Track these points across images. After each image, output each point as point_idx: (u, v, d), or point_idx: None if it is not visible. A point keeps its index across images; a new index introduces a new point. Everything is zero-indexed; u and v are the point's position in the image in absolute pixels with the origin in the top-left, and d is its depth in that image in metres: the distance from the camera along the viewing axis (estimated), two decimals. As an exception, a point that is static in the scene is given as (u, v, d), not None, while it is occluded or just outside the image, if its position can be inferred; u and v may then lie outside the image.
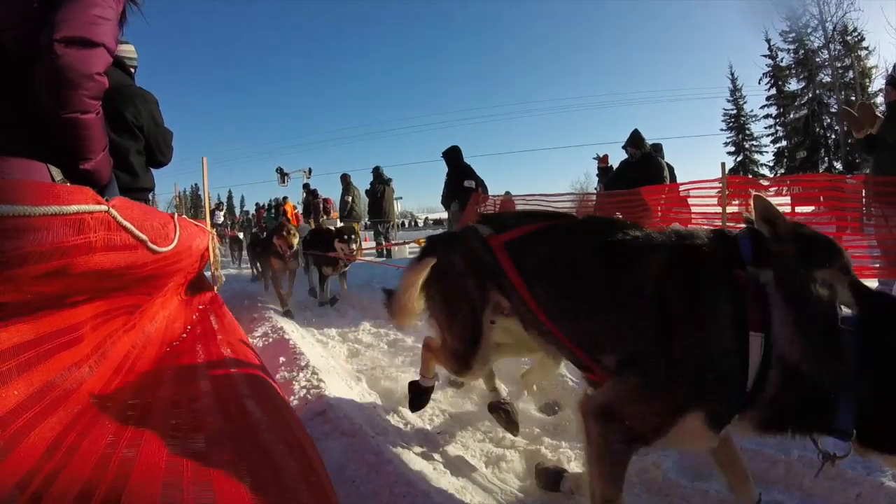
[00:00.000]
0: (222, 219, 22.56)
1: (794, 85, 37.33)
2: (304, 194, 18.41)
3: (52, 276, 1.20)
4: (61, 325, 1.51)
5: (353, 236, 7.21)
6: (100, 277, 1.52)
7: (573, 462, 2.58)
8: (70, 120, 1.91)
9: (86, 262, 1.29)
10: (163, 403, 1.68)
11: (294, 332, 5.27)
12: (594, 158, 14.92)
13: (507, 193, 14.67)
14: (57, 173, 1.96)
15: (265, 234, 9.69)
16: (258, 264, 10.21)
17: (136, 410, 1.58)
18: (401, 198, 23.71)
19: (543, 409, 3.27)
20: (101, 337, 1.91)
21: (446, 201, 11.29)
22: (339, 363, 4.40)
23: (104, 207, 1.33)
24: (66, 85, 1.85)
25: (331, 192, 23.03)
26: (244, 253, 16.91)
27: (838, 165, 33.98)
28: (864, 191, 6.94)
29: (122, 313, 2.19)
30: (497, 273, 2.19)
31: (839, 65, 34.34)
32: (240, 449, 1.28)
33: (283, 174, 24.40)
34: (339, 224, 14.84)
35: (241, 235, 19.61)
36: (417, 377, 3.30)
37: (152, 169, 3.25)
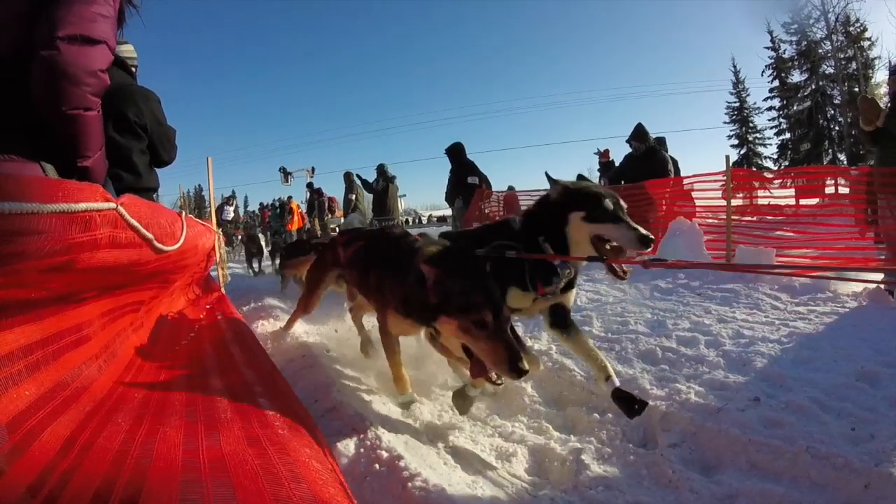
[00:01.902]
0: (232, 215, 20.36)
1: (797, 76, 37.22)
2: (308, 193, 18.36)
3: (56, 270, 1.20)
4: (68, 325, 1.51)
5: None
6: (103, 273, 1.52)
7: (583, 456, 2.57)
8: (72, 116, 1.91)
9: (89, 259, 1.28)
10: (175, 401, 1.68)
11: (301, 329, 5.27)
12: (595, 153, 14.94)
13: (511, 188, 14.67)
14: (52, 171, 1.94)
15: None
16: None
17: (148, 408, 1.58)
18: (404, 195, 23.55)
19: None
20: (110, 336, 1.91)
21: (450, 198, 11.28)
22: (346, 360, 4.39)
23: (113, 205, 1.33)
24: (69, 81, 1.85)
25: (335, 191, 22.56)
26: (262, 259, 13.97)
27: (842, 157, 33.88)
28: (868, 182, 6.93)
29: (129, 311, 2.19)
30: None
31: (842, 56, 34.20)
32: (255, 445, 1.27)
33: (286, 173, 24.36)
34: (343, 221, 14.79)
35: (260, 237, 16.22)
36: (423, 374, 3.33)
37: (156, 168, 3.24)
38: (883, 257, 5.79)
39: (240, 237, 17.66)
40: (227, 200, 20.31)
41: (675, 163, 9.27)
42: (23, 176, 1.61)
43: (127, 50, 3.23)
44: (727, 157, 7.26)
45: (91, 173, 2.11)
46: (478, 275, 2.44)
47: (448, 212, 14.18)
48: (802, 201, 9.58)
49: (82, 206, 1.17)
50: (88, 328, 1.68)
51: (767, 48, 37.96)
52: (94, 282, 1.60)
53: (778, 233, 7.48)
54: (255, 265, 13.42)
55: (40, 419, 1.19)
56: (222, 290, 5.92)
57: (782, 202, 9.29)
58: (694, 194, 8.54)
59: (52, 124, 1.91)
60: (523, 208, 12.82)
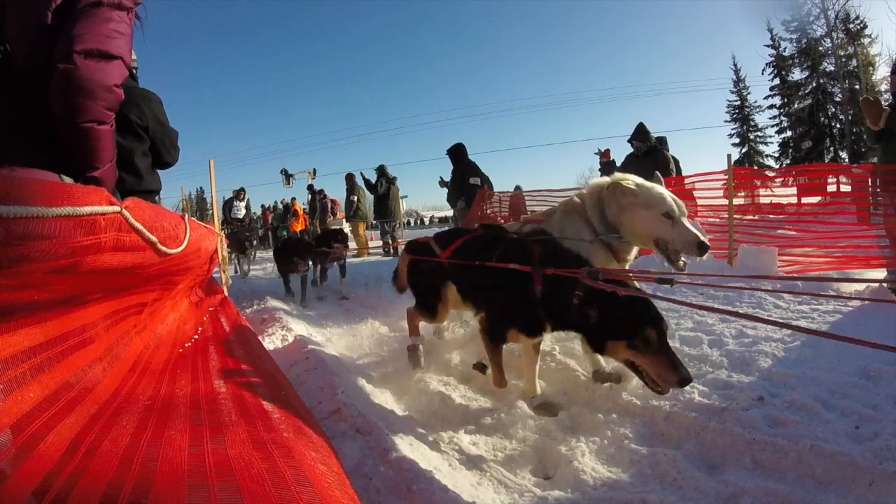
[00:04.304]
0: (244, 211, 16.07)
1: (797, 74, 37.14)
2: (310, 195, 18.28)
3: (60, 273, 1.20)
4: (71, 327, 1.52)
5: None
6: (107, 276, 1.53)
7: (587, 456, 2.58)
8: (86, 129, 1.95)
9: (93, 262, 1.29)
10: (179, 404, 1.69)
11: (304, 332, 5.28)
12: (596, 153, 14.93)
13: (518, 188, 14.63)
14: (69, 181, 1.98)
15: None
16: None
17: (152, 411, 1.58)
18: (406, 196, 23.43)
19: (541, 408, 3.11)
20: (114, 338, 1.91)
21: (452, 199, 11.29)
22: (350, 362, 4.40)
23: (117, 209, 1.33)
24: (85, 95, 1.89)
25: (336, 192, 21.92)
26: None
27: (844, 155, 33.85)
28: (870, 180, 6.93)
29: (132, 313, 2.19)
30: None
31: (842, 53, 34.16)
32: (260, 449, 1.28)
33: (287, 175, 24.24)
34: (346, 225, 14.78)
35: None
36: (426, 375, 3.31)
37: (159, 170, 3.24)
38: (886, 255, 5.78)
39: (252, 241, 13.95)
40: (237, 194, 16.23)
41: (676, 162, 9.27)
42: (29, 179, 1.62)
43: None
44: (728, 156, 7.26)
45: (101, 183, 2.13)
46: None
47: (450, 213, 14.16)
48: (804, 200, 9.58)
49: (87, 209, 1.17)
50: (92, 330, 1.69)
51: (768, 46, 37.93)
52: (97, 284, 1.60)
53: (780, 231, 7.47)
54: (297, 283, 7.99)
55: (45, 421, 1.19)
56: (225, 292, 5.92)
57: (784, 201, 9.30)
58: (696, 193, 8.53)
59: (66, 136, 1.95)
60: (530, 210, 12.79)
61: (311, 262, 7.98)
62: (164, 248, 1.79)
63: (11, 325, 1.20)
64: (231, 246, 12.37)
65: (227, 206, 16.04)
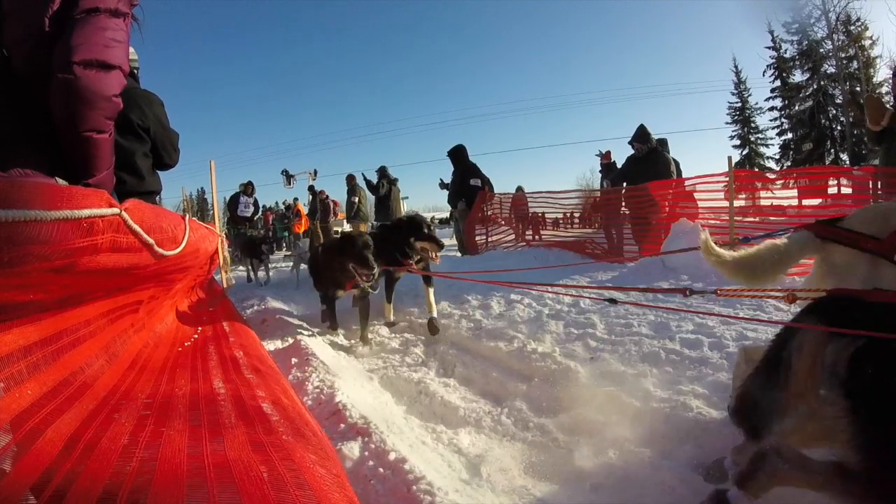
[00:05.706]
0: (252, 209, 14.29)
1: (798, 76, 37.22)
2: (310, 197, 18.20)
3: (55, 273, 1.21)
4: (66, 325, 1.52)
5: None
6: (102, 276, 1.53)
7: (587, 457, 2.57)
8: (85, 138, 1.96)
9: (88, 262, 1.29)
10: (178, 404, 1.69)
11: (305, 333, 5.27)
12: (596, 155, 15.01)
13: (519, 189, 14.63)
14: (63, 183, 1.98)
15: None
16: None
17: (151, 410, 1.58)
18: (407, 198, 23.38)
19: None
20: (110, 336, 1.92)
21: (453, 200, 11.33)
22: (350, 363, 4.40)
23: (116, 210, 1.33)
24: (85, 104, 1.90)
25: (337, 193, 21.36)
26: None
27: (844, 157, 33.86)
28: (871, 182, 6.92)
29: (128, 312, 2.20)
30: None
31: (843, 55, 34.19)
32: (260, 451, 1.28)
33: (288, 176, 24.19)
34: (346, 226, 14.71)
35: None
36: (426, 376, 3.29)
37: (159, 172, 3.25)
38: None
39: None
40: (245, 188, 14.04)
41: (677, 164, 9.28)
42: (31, 183, 1.63)
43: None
44: (729, 158, 7.26)
45: (99, 188, 2.14)
46: None
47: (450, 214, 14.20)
48: (805, 202, 9.55)
49: (86, 212, 1.18)
50: (87, 328, 1.69)
51: (768, 48, 38.06)
52: (93, 284, 1.60)
53: (781, 233, 7.44)
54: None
55: (44, 417, 1.20)
56: (225, 293, 5.92)
57: (785, 203, 9.28)
58: (696, 195, 8.53)
59: (66, 140, 1.95)
60: (531, 210, 12.78)
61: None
62: (160, 250, 1.79)
63: (7, 324, 1.20)
64: (241, 251, 11.47)
65: (233, 202, 14.10)
